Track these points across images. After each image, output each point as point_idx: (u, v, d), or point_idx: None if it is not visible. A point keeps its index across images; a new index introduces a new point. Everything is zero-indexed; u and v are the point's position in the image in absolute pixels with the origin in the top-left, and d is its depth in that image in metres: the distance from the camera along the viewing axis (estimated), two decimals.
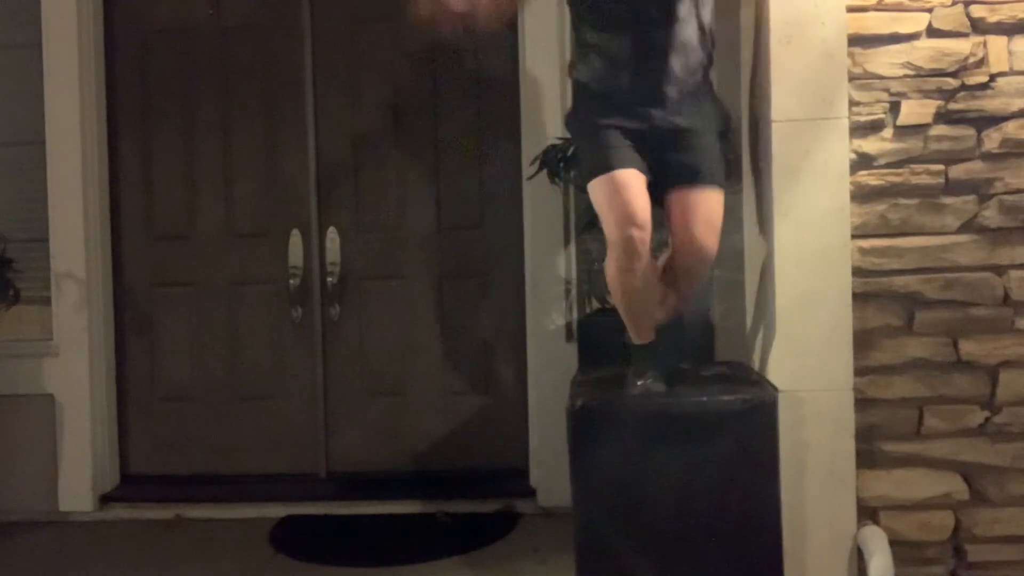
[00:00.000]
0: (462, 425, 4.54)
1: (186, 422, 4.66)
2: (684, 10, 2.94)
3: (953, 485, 3.19)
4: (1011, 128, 3.14)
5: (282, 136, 4.63)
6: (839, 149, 3.13)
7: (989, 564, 3.20)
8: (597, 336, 3.78)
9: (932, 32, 3.15)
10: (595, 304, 4.06)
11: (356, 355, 4.62)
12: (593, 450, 2.92)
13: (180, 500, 4.46)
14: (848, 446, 3.14)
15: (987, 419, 3.18)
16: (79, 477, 4.45)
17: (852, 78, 3.15)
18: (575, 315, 4.29)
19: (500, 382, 4.55)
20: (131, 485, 4.62)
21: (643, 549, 2.91)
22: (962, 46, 3.14)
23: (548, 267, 4.34)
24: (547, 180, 3.93)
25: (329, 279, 4.59)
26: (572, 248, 4.30)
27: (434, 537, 4.07)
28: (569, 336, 4.28)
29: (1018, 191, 3.15)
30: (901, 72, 3.16)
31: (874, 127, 3.17)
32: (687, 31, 2.95)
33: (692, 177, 3.00)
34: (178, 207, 4.67)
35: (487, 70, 4.53)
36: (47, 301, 4.50)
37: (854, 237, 3.15)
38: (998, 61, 3.14)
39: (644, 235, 2.86)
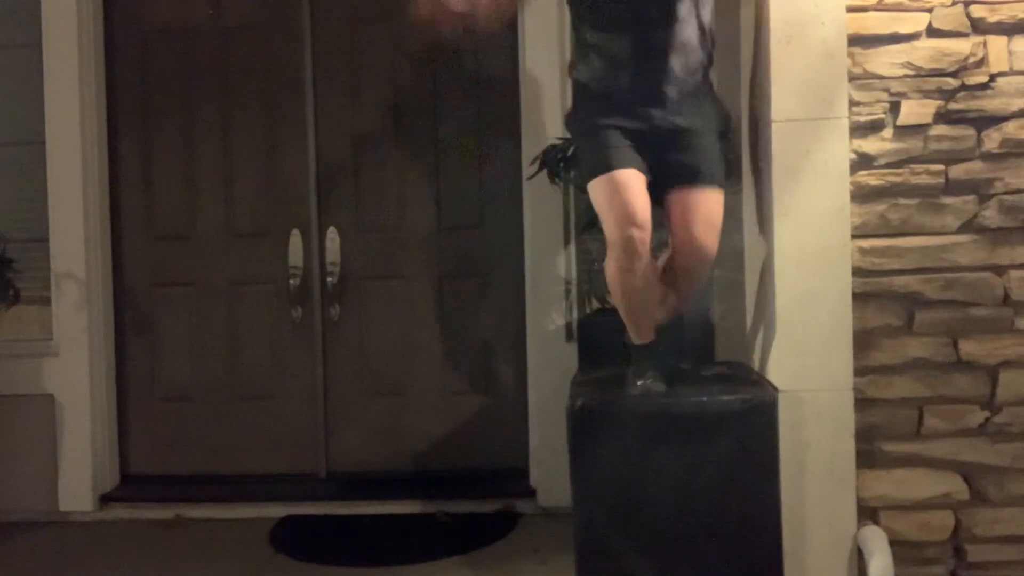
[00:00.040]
0: (462, 425, 4.54)
1: (186, 422, 4.65)
2: (684, 10, 2.94)
3: (953, 485, 3.19)
4: (1011, 128, 3.14)
5: (282, 136, 4.63)
6: (839, 149, 3.13)
7: (989, 564, 3.20)
8: (597, 336, 3.78)
9: (932, 32, 3.15)
10: (595, 304, 4.06)
11: (356, 355, 4.61)
12: (593, 450, 2.92)
13: (180, 500, 4.45)
14: (848, 446, 3.14)
15: (987, 419, 3.18)
16: (79, 477, 4.45)
17: (852, 78, 3.15)
18: (575, 315, 4.29)
19: (500, 382, 4.55)
20: (131, 485, 4.62)
21: (643, 549, 2.90)
22: (962, 46, 3.14)
23: (548, 267, 4.34)
24: (547, 180, 3.93)
25: (329, 279, 4.59)
26: (572, 248, 4.29)
27: (434, 537, 4.07)
28: (569, 336, 4.28)
29: (1018, 191, 3.15)
30: (901, 72, 3.15)
31: (874, 127, 3.17)
32: (687, 31, 2.95)
33: (692, 177, 2.99)
34: (178, 207, 4.67)
35: (487, 70, 4.53)
36: (47, 301, 4.50)
37: (854, 237, 3.15)
38: (998, 61, 3.14)
39: (644, 235, 2.86)
